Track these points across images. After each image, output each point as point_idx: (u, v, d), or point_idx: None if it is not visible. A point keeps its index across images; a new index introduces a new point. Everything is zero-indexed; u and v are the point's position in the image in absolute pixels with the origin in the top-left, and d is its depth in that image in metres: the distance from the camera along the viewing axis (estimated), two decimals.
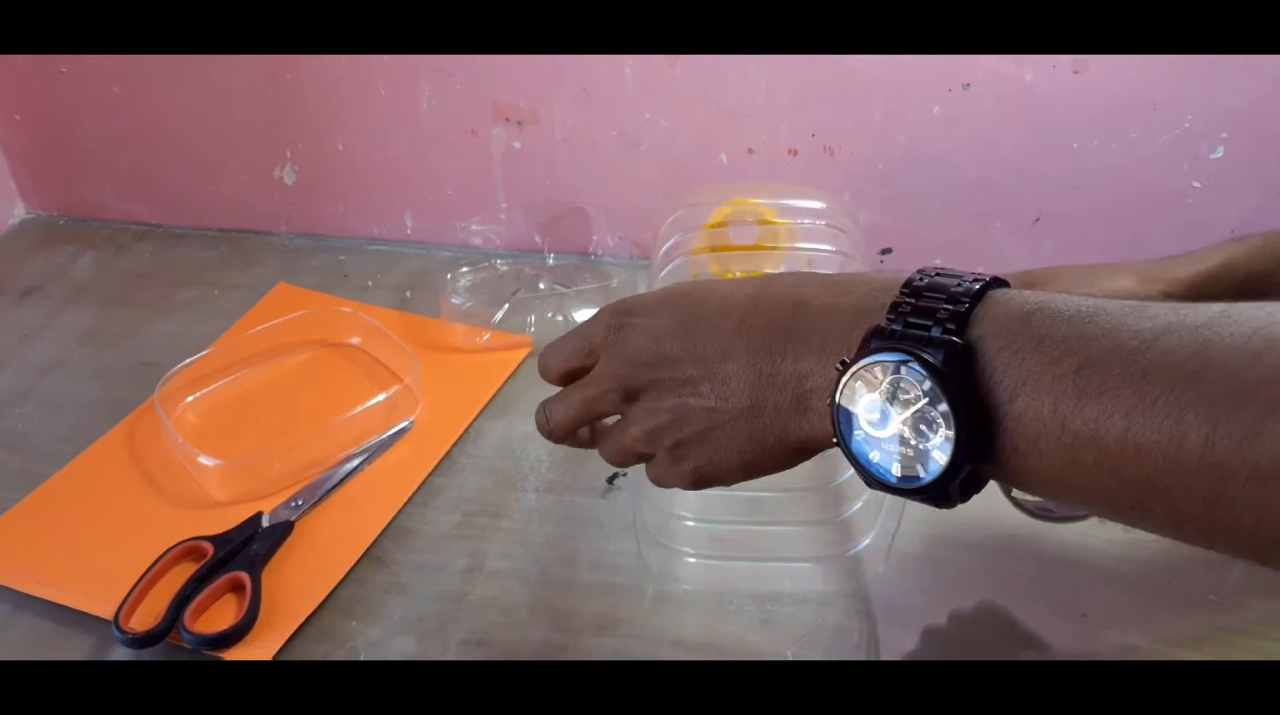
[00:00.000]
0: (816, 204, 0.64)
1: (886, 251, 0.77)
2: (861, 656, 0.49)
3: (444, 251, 0.83)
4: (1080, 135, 0.69)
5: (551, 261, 0.80)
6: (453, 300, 0.73)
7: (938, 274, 0.33)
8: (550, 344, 0.43)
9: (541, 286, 0.76)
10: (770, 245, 0.63)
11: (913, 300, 0.32)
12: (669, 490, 0.42)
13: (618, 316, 0.40)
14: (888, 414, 0.32)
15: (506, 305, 0.73)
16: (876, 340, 0.32)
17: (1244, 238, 0.50)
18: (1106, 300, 0.30)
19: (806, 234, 0.64)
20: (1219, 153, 0.67)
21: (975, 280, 0.33)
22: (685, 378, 0.37)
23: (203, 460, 0.58)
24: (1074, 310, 0.30)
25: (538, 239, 0.81)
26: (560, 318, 0.72)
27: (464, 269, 0.79)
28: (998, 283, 0.33)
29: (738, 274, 0.59)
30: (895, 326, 0.32)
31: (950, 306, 0.32)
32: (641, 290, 0.53)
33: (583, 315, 0.72)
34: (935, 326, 0.31)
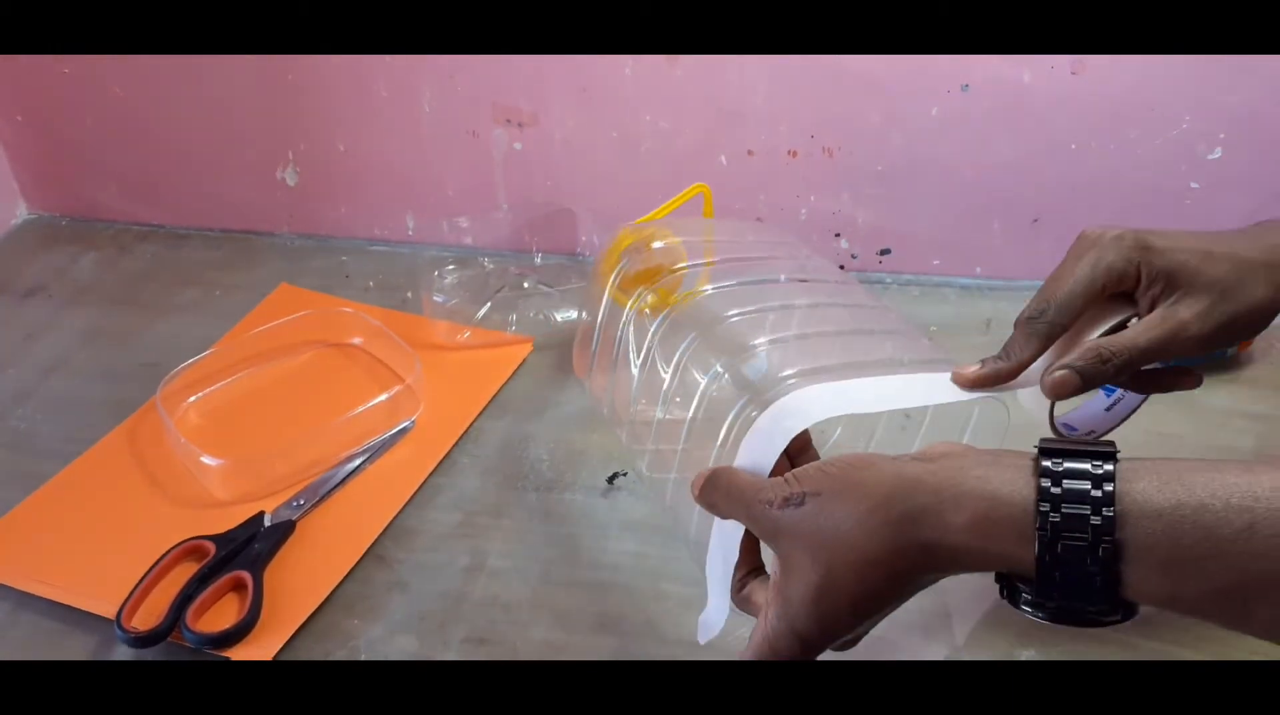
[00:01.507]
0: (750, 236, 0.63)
1: (885, 252, 0.77)
2: (861, 656, 0.49)
3: (438, 251, 0.83)
4: (1078, 136, 0.69)
5: (539, 261, 0.80)
6: (435, 297, 0.73)
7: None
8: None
9: (526, 285, 0.76)
10: (670, 267, 0.59)
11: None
12: None
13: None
14: None
15: (489, 303, 0.73)
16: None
17: None
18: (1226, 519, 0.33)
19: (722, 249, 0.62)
20: (1217, 153, 0.67)
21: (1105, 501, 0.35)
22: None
23: (205, 460, 0.59)
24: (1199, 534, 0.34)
25: (528, 238, 0.81)
26: (542, 316, 0.72)
27: (450, 267, 0.79)
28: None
29: (647, 301, 0.56)
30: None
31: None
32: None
33: (565, 315, 0.73)
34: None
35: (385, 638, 0.51)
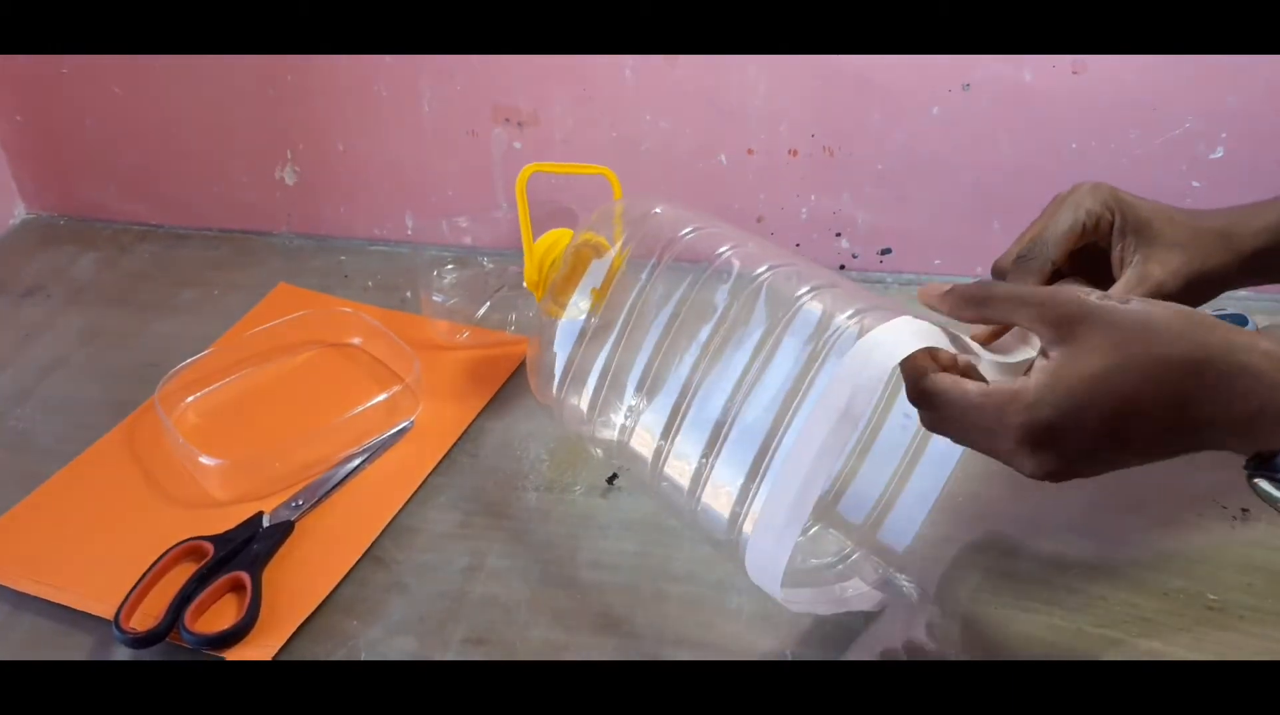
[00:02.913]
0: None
1: (886, 252, 0.77)
2: (862, 656, 0.49)
3: (438, 250, 0.83)
4: (1079, 136, 0.69)
5: None
6: (435, 297, 0.73)
7: None
8: None
9: (525, 284, 0.76)
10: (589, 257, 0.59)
11: None
12: None
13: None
14: None
15: (488, 303, 0.73)
16: None
17: None
18: None
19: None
20: (1218, 153, 0.67)
21: None
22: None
23: (203, 460, 0.59)
24: None
25: None
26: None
27: (449, 266, 0.79)
28: None
29: (580, 303, 0.56)
30: None
31: None
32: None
33: None
34: None
35: (384, 638, 0.51)
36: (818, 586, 0.51)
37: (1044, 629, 0.49)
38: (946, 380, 0.42)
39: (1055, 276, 0.50)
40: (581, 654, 0.49)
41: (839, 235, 0.77)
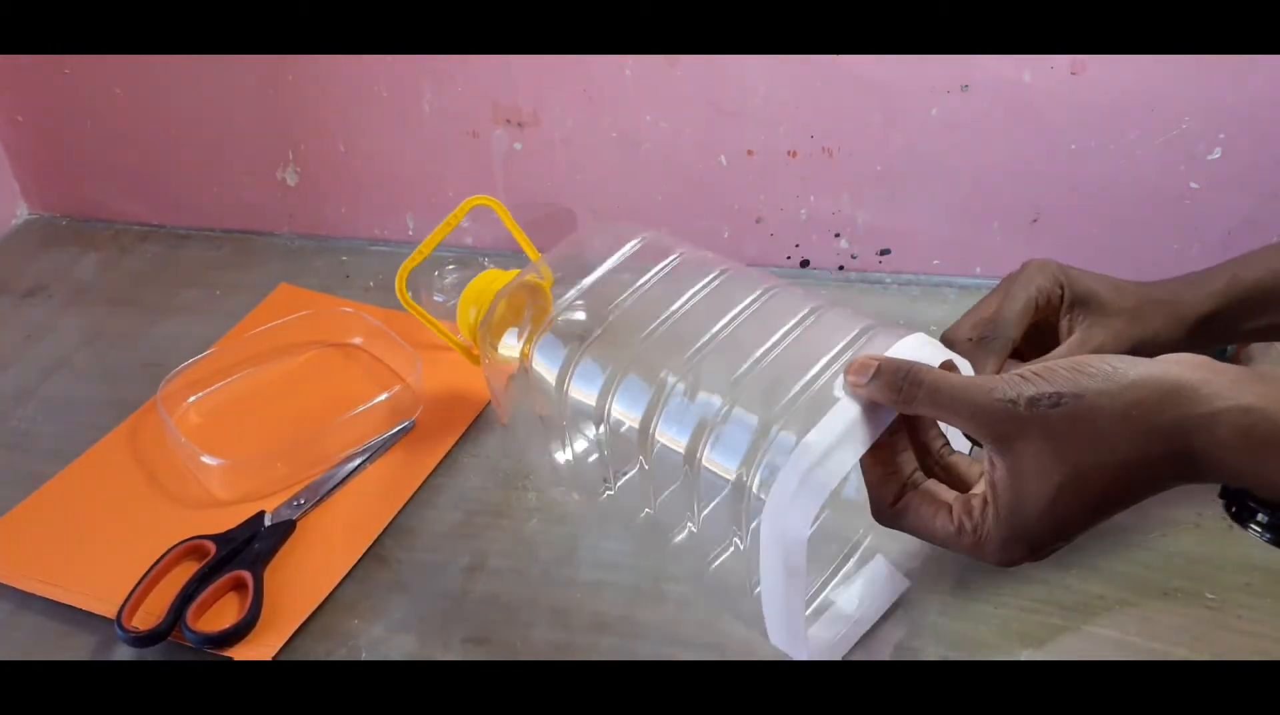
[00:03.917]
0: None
1: (885, 252, 0.77)
2: (862, 657, 0.49)
3: (439, 251, 0.83)
4: (1078, 136, 0.69)
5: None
6: (436, 297, 0.73)
7: None
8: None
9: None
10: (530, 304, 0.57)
11: None
12: None
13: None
14: None
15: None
16: None
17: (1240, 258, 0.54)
18: None
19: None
20: (1216, 154, 0.67)
21: None
22: None
23: (205, 460, 0.59)
24: None
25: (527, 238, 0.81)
26: None
27: (450, 267, 0.79)
28: None
29: (517, 347, 0.54)
30: None
31: None
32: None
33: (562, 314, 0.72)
34: None
35: (385, 637, 0.51)
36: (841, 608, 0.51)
37: (1043, 629, 0.49)
38: (911, 515, 0.42)
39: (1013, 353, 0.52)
40: (581, 654, 0.50)
41: (838, 235, 0.77)
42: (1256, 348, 0.64)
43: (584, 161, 0.78)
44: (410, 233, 0.85)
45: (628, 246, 0.55)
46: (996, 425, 0.38)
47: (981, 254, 0.75)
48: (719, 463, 0.45)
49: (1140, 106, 0.67)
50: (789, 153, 0.74)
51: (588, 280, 0.54)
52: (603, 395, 0.50)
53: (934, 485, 0.43)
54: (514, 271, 0.59)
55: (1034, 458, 0.38)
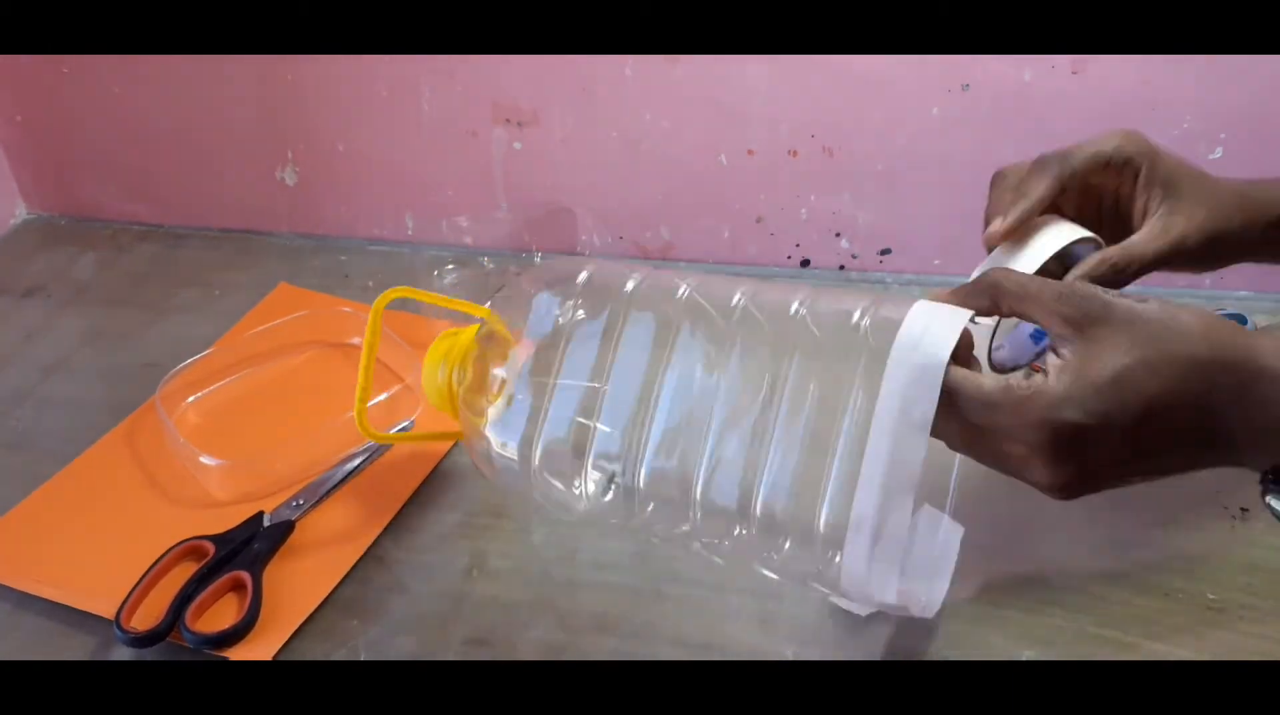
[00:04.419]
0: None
1: (886, 252, 0.77)
2: (862, 656, 0.49)
3: (438, 250, 0.83)
4: (1079, 136, 0.68)
5: (539, 261, 0.80)
6: None
7: None
8: None
9: (489, 305, 0.76)
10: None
11: None
12: None
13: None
14: None
15: (489, 303, 0.73)
16: None
17: None
18: None
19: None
20: (1218, 153, 0.67)
21: None
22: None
23: (204, 460, 0.59)
24: None
25: (527, 238, 0.81)
26: None
27: (450, 266, 0.79)
28: None
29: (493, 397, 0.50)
30: None
31: None
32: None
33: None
34: None
35: (385, 638, 0.51)
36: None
37: (1044, 629, 0.49)
38: (959, 373, 0.40)
39: (1052, 210, 0.49)
40: (581, 654, 0.50)
41: (839, 235, 0.77)
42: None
43: (584, 161, 0.78)
44: (409, 232, 0.85)
45: (580, 278, 0.51)
46: (1080, 304, 0.38)
47: (982, 254, 0.75)
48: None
49: (1140, 106, 0.67)
50: (789, 152, 0.74)
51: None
52: (647, 385, 0.47)
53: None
54: (469, 328, 0.55)
55: (1109, 336, 0.37)
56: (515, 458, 0.50)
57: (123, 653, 0.51)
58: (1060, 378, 0.38)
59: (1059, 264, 0.48)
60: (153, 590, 0.53)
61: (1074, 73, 0.66)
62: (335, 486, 0.59)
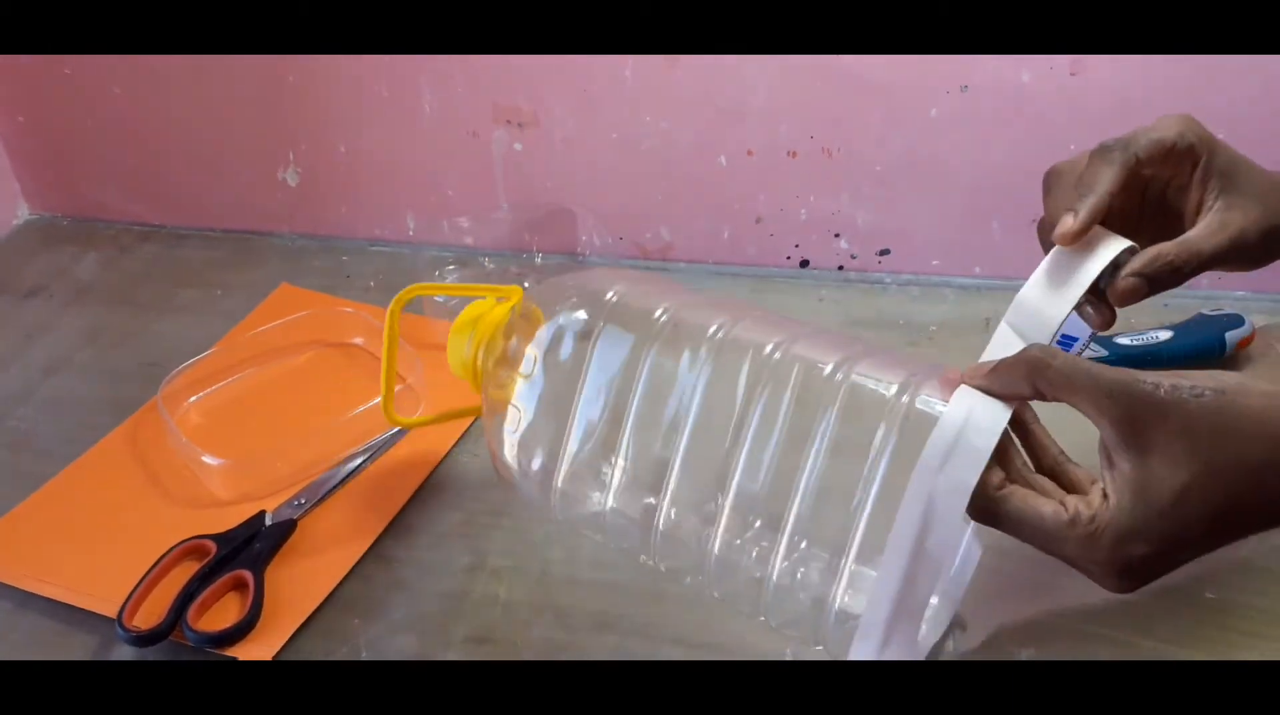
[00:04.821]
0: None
1: (885, 252, 0.77)
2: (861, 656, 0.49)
3: (439, 251, 0.84)
4: (1077, 136, 0.69)
5: (539, 261, 0.81)
6: (436, 298, 0.74)
7: None
8: None
9: (526, 285, 0.76)
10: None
11: None
12: None
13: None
14: None
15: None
16: None
17: None
18: None
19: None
20: None
21: None
22: None
23: (206, 459, 0.59)
24: None
25: (528, 238, 0.81)
26: None
27: (450, 267, 0.79)
28: None
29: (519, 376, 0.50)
30: None
31: None
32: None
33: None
34: None
35: (386, 637, 0.51)
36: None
37: (1043, 629, 0.49)
38: (1016, 501, 0.39)
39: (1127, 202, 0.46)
40: (582, 653, 0.50)
41: (838, 236, 0.77)
42: (1257, 347, 0.64)
43: (584, 162, 0.78)
44: (410, 233, 0.85)
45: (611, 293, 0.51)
46: (1132, 406, 0.36)
47: (981, 254, 0.75)
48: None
49: (1140, 106, 0.67)
50: (789, 153, 0.74)
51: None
52: (685, 389, 0.46)
53: (1043, 480, 0.40)
54: (503, 303, 0.55)
55: (1167, 445, 0.36)
56: (537, 443, 0.50)
57: (125, 652, 0.51)
58: (1121, 505, 0.37)
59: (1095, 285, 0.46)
60: (155, 589, 0.53)
61: (1072, 73, 0.66)
62: (337, 486, 0.60)
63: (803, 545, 0.44)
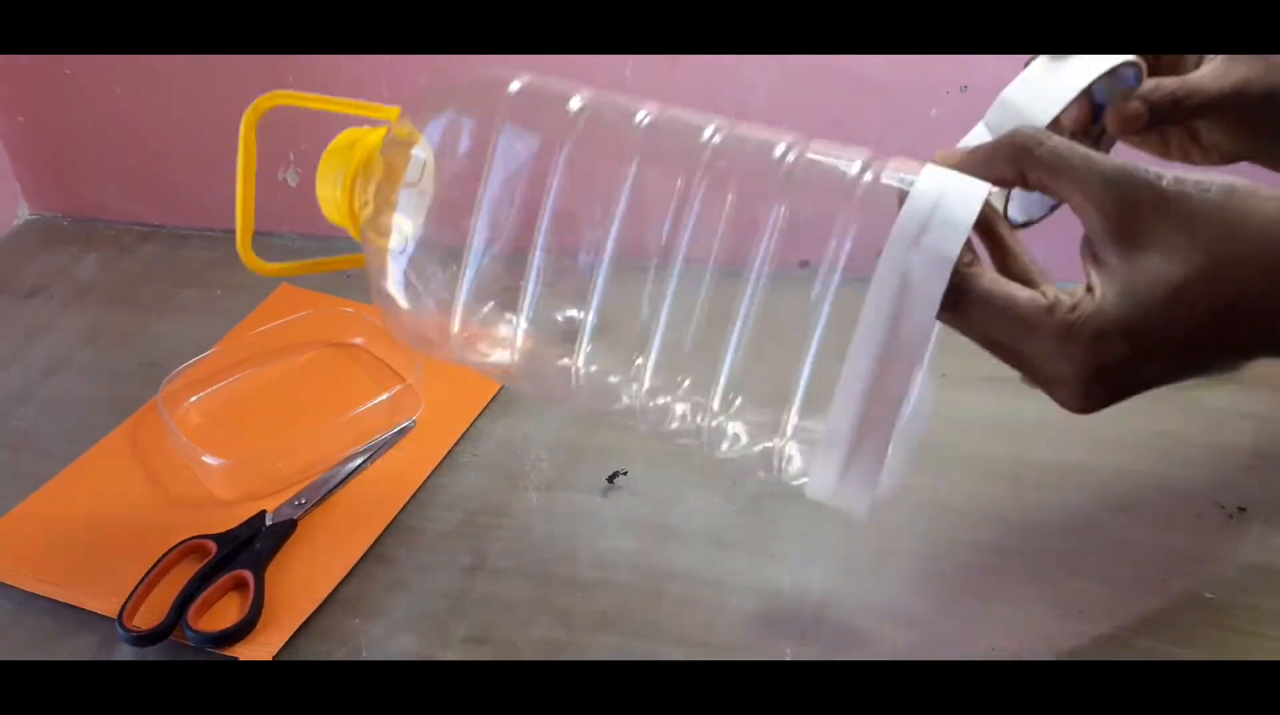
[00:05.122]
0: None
1: None
2: (861, 656, 0.49)
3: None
4: None
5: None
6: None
7: None
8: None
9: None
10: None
11: None
12: None
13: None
14: None
15: (490, 303, 0.73)
16: None
17: None
18: None
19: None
20: None
21: None
22: None
23: (206, 459, 0.59)
24: None
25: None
26: None
27: (452, 267, 0.79)
28: None
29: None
30: None
31: None
32: None
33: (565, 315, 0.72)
34: None
35: (386, 636, 0.51)
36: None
37: (1043, 628, 0.49)
38: (985, 280, 0.34)
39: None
40: (582, 652, 0.50)
41: None
42: None
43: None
44: None
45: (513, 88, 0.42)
46: (1130, 193, 0.33)
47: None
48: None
49: None
50: None
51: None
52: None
53: (1024, 271, 0.36)
54: (375, 129, 0.48)
55: (1166, 238, 0.32)
56: (433, 289, 0.43)
57: (125, 651, 0.51)
58: (1108, 297, 0.33)
59: (1088, 102, 0.43)
60: (155, 589, 0.53)
61: None
62: (337, 486, 0.60)
63: (737, 401, 0.38)
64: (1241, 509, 0.54)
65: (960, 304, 0.34)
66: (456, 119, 0.43)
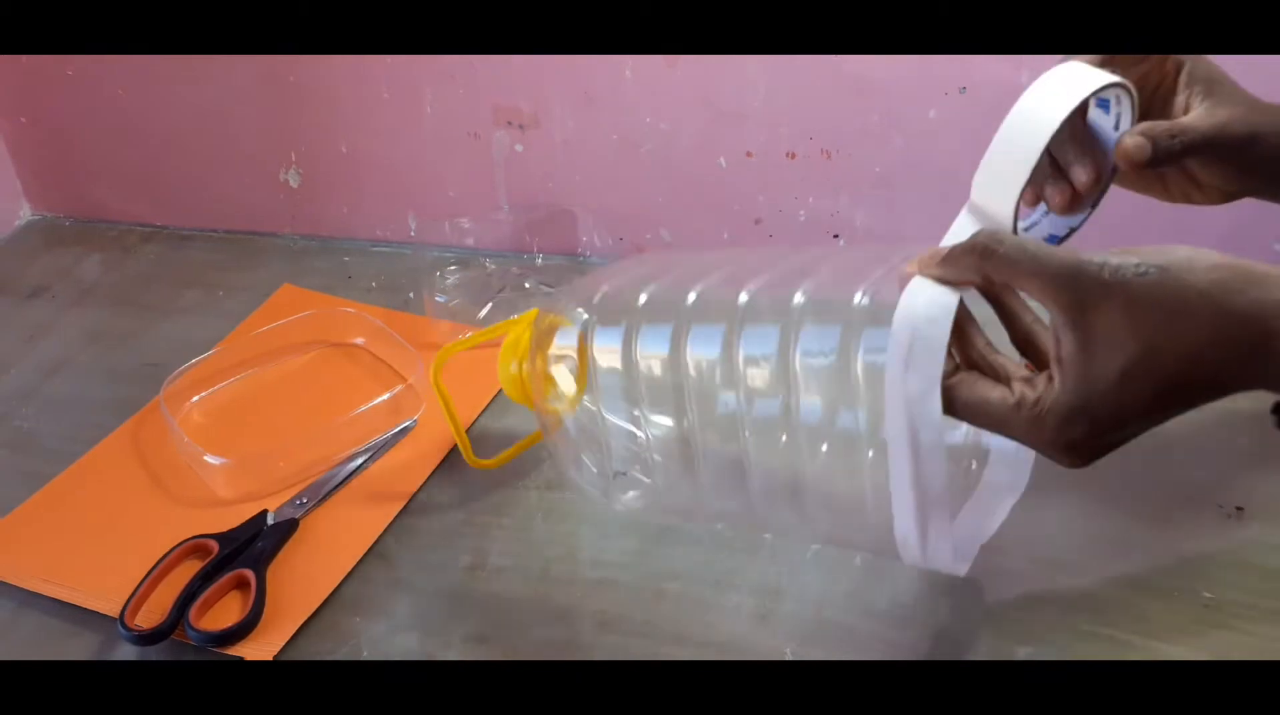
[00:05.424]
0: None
1: None
2: (861, 656, 0.49)
3: (440, 251, 0.84)
4: None
5: (540, 262, 0.81)
6: (437, 298, 0.74)
7: None
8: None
9: (527, 285, 0.77)
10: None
11: None
12: None
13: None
14: None
15: (491, 303, 0.74)
16: None
17: None
18: None
19: None
20: None
21: None
22: None
23: (208, 459, 0.59)
24: None
25: (528, 239, 0.81)
26: None
27: (452, 267, 0.79)
28: None
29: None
30: None
31: None
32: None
33: None
34: None
35: (387, 636, 0.51)
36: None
37: (1039, 628, 0.49)
38: (964, 389, 0.40)
39: None
40: (582, 652, 0.50)
41: (836, 237, 0.77)
42: None
43: (584, 163, 0.78)
44: (411, 233, 0.85)
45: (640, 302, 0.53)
46: (1075, 289, 0.37)
47: None
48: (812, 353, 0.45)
49: None
50: (788, 154, 0.74)
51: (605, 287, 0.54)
52: (675, 346, 0.49)
53: (1002, 360, 0.41)
54: (526, 316, 0.58)
55: (1109, 327, 0.36)
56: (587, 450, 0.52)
57: (127, 651, 0.51)
58: (1065, 384, 0.37)
59: (1075, 145, 0.49)
60: (157, 588, 0.53)
61: None
62: (338, 485, 0.60)
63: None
64: (1240, 509, 0.54)
65: (951, 409, 0.40)
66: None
